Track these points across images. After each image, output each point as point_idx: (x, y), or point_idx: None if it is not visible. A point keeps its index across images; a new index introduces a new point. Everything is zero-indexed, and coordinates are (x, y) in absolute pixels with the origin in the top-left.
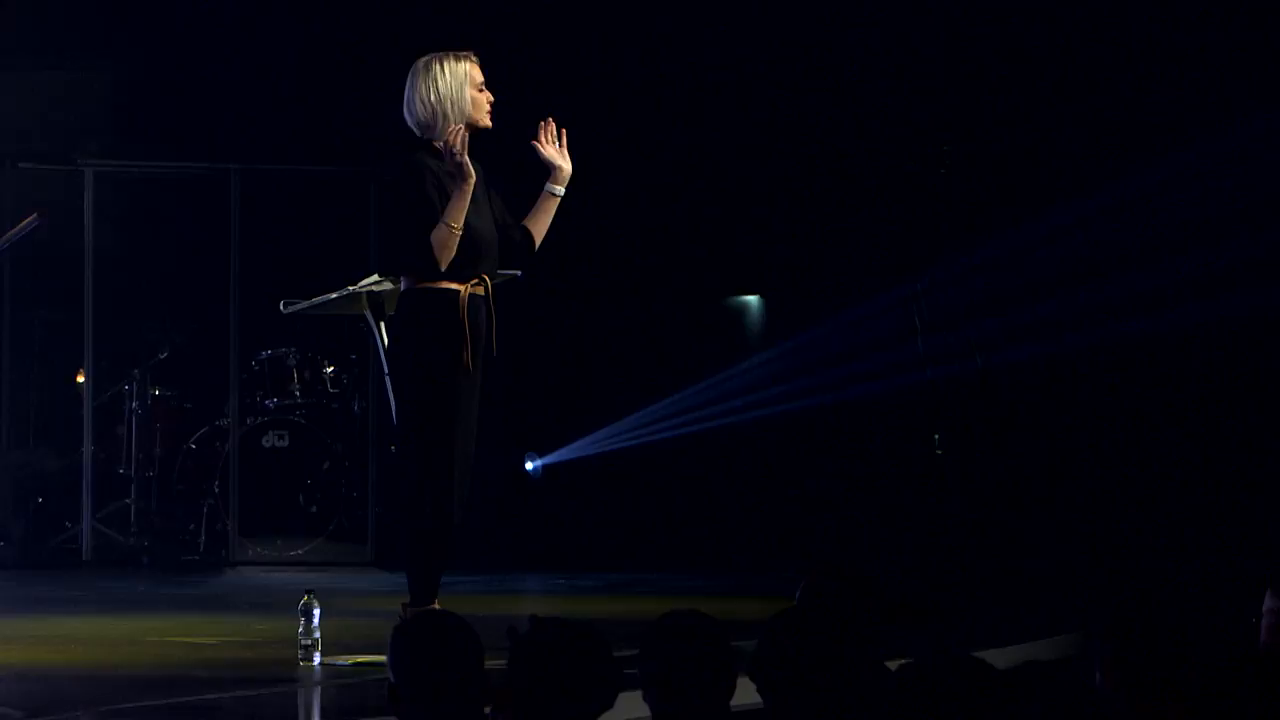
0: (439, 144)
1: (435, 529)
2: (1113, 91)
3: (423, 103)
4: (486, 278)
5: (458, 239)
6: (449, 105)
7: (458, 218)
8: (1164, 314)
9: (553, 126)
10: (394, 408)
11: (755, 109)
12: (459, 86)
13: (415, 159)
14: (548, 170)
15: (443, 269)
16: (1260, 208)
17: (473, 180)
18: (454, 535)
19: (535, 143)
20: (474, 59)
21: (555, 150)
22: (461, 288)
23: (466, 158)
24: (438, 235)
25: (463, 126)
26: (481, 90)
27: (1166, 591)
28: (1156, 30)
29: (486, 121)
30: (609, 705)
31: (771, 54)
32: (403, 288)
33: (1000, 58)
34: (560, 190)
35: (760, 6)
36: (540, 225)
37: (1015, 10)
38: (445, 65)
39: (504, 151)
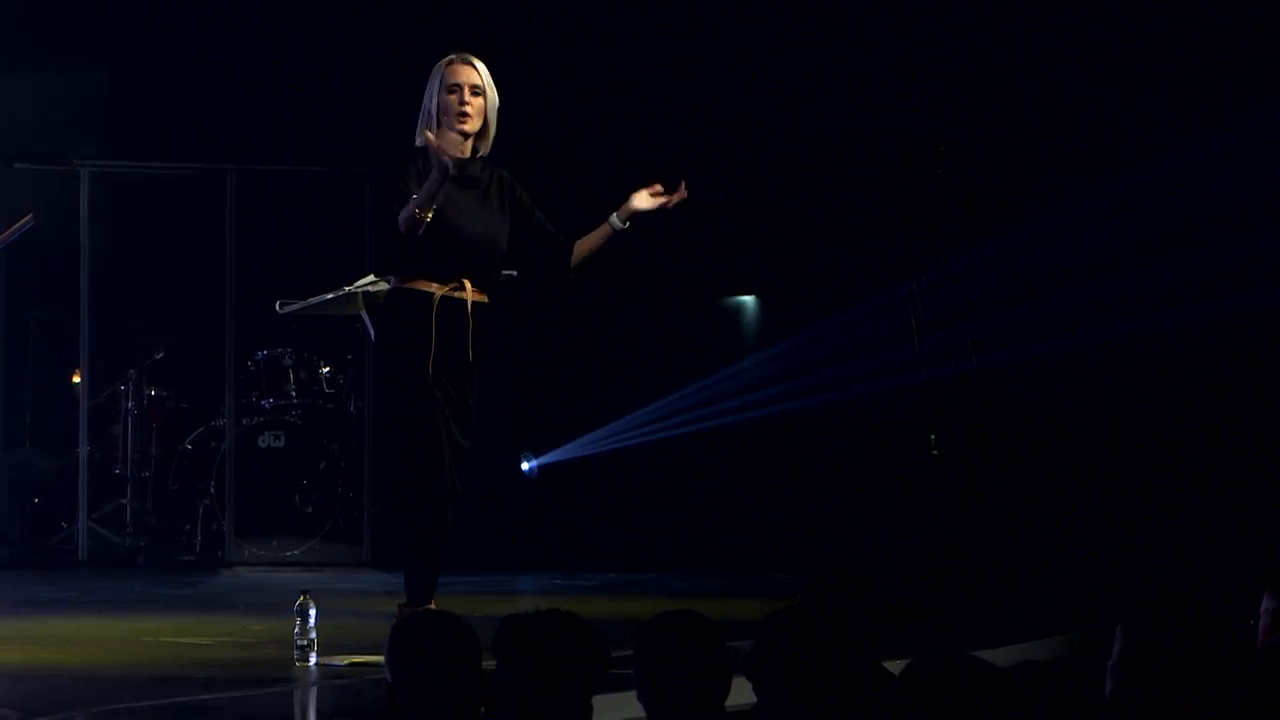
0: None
1: (424, 530)
2: (1109, 92)
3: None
4: (468, 282)
5: (422, 221)
6: (422, 109)
7: (425, 203)
8: (1162, 314)
9: (682, 192)
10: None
11: (751, 110)
12: (430, 89)
13: (405, 160)
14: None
15: (404, 235)
16: (1260, 208)
17: (445, 172)
18: (447, 536)
19: (654, 190)
20: (464, 60)
21: (651, 200)
22: (437, 290)
23: (445, 156)
24: (405, 214)
25: (430, 132)
26: (453, 92)
27: (1188, 593)
28: (1155, 30)
29: (455, 125)
30: (598, 687)
31: (767, 54)
32: (391, 286)
33: (997, 58)
34: (619, 224)
35: (757, 7)
36: (587, 247)
37: (1012, 11)
38: (436, 66)
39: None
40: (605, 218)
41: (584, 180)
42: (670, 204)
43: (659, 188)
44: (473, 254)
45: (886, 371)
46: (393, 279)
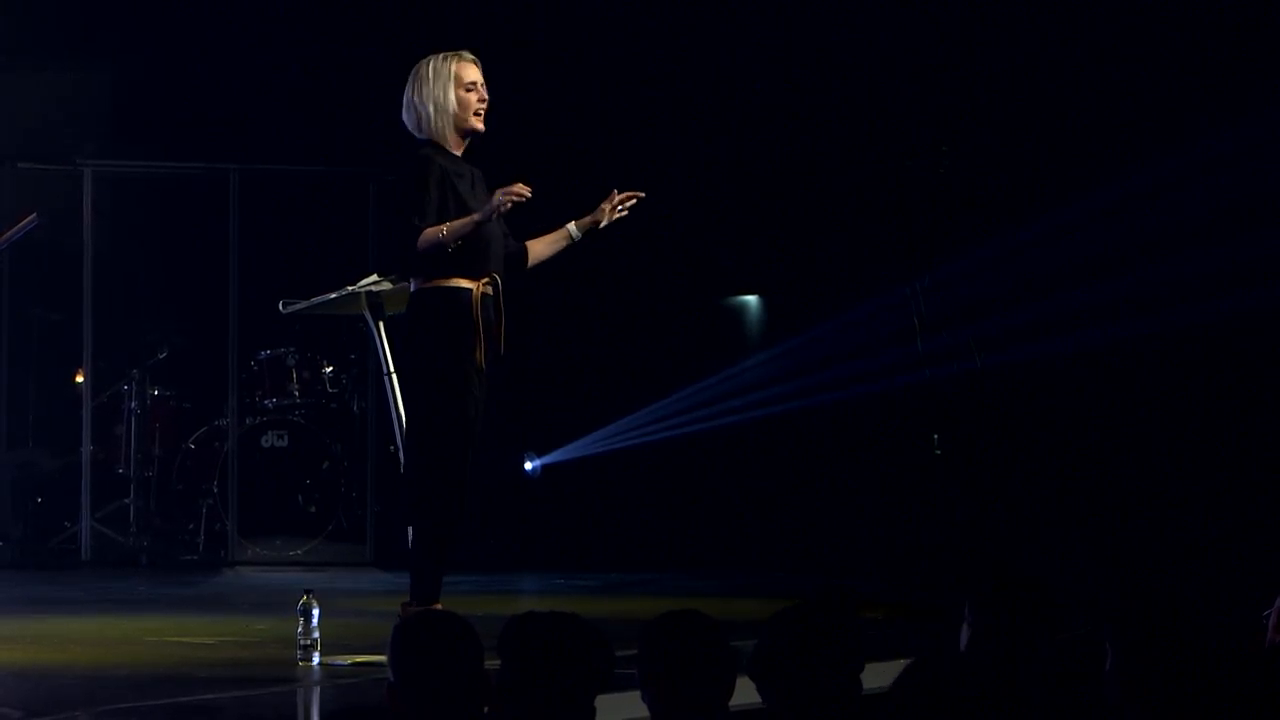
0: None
1: (447, 529)
2: (1111, 92)
3: (409, 104)
4: (496, 276)
5: (444, 250)
6: (432, 105)
7: (457, 234)
8: (1164, 314)
9: (634, 198)
10: (400, 408)
11: (755, 109)
12: (443, 85)
13: (424, 154)
14: (585, 210)
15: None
16: (1260, 208)
17: (489, 217)
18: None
19: (614, 194)
20: (468, 59)
21: (611, 210)
22: (474, 286)
23: (498, 202)
24: (429, 235)
25: (518, 188)
26: (471, 90)
27: (1174, 590)
28: (1155, 30)
29: (473, 122)
30: (601, 687)
31: (770, 54)
32: (414, 287)
33: (999, 58)
34: (578, 235)
35: (760, 6)
36: (542, 250)
37: (1014, 10)
38: (433, 65)
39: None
40: (609, 222)
41: (583, 181)
42: (623, 210)
43: (618, 197)
44: (495, 249)
45: (889, 371)
46: (417, 280)
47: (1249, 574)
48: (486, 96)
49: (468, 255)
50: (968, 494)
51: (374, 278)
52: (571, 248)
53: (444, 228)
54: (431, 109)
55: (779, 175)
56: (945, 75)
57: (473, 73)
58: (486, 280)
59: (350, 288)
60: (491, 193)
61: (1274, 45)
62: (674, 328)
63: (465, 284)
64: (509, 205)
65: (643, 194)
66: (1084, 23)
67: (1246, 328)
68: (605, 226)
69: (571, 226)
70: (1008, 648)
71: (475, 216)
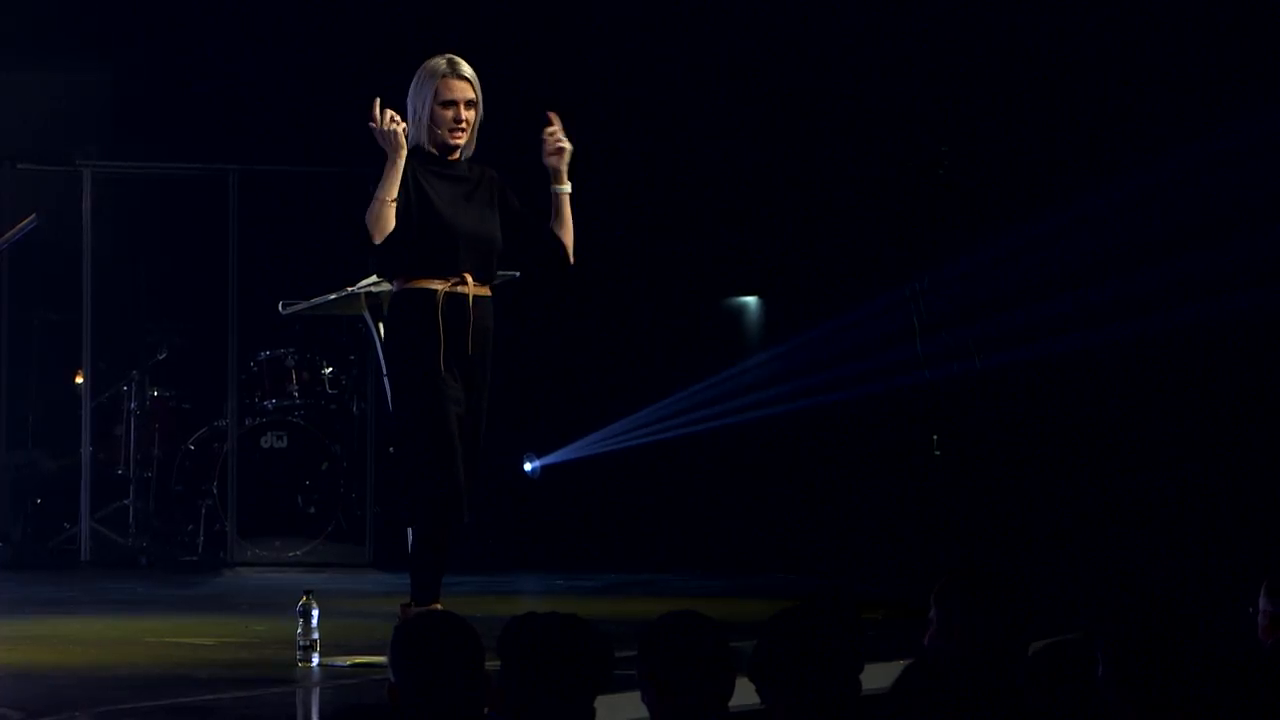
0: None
1: (436, 527)
2: (1110, 92)
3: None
4: (469, 276)
5: (389, 210)
6: (412, 112)
7: (386, 190)
8: (1163, 314)
9: (555, 126)
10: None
11: (754, 109)
12: (424, 97)
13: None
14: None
15: (378, 241)
16: (1260, 208)
17: (396, 152)
18: (456, 535)
19: (545, 132)
20: (458, 75)
21: (552, 151)
22: (440, 287)
23: (388, 131)
24: (369, 211)
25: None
26: (447, 108)
27: (1168, 593)
28: (1154, 31)
29: (449, 140)
30: (601, 689)
31: (771, 54)
32: (393, 289)
33: (998, 59)
34: (564, 188)
35: (760, 7)
36: (564, 229)
37: (1013, 11)
38: (424, 71)
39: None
40: (608, 215)
41: (583, 181)
42: (555, 134)
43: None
44: (469, 249)
45: (889, 372)
46: (395, 282)
47: (1247, 575)
48: (465, 115)
49: (435, 255)
50: (967, 495)
51: (373, 278)
52: (575, 239)
53: (375, 196)
54: (411, 116)
55: (779, 176)
56: (945, 75)
57: (455, 90)
58: (456, 280)
59: (350, 288)
60: (505, 195)
61: (1274, 45)
62: (674, 328)
63: (433, 285)
64: (384, 131)
65: (553, 113)
66: (1084, 23)
67: (1245, 328)
68: (567, 163)
69: (554, 188)
70: (970, 643)
71: (390, 160)
